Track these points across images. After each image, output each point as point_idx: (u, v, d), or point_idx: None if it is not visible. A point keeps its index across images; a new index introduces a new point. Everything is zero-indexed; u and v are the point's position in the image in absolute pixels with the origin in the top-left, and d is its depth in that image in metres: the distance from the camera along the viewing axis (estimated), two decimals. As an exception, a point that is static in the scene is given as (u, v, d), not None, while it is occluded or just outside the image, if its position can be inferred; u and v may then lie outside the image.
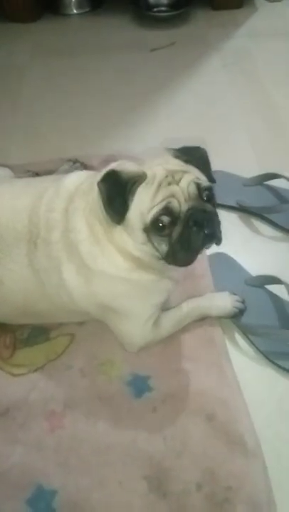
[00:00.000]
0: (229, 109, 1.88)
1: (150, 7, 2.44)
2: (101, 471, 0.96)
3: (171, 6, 2.43)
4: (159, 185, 0.90)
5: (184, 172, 0.92)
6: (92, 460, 0.98)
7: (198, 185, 0.92)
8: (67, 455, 0.99)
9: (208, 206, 0.93)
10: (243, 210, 1.47)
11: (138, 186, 0.90)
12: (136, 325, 1.07)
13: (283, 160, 1.63)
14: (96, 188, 0.94)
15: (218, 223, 0.93)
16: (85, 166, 1.55)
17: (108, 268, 0.97)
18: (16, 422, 1.04)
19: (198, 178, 0.93)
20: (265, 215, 1.44)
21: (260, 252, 1.39)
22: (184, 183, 0.91)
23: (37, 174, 1.51)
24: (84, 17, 2.51)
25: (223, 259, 1.32)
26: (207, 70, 2.10)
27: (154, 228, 0.90)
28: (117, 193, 0.90)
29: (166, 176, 0.91)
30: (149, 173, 0.91)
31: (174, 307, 1.15)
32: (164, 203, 0.89)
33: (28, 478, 0.96)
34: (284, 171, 1.46)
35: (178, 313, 1.14)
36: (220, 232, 0.94)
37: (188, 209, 0.90)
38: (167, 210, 0.89)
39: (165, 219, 0.89)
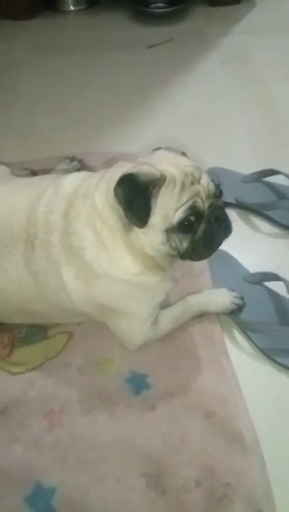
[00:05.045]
0: (227, 106, 1.88)
1: (147, 3, 2.42)
2: (99, 468, 0.96)
3: (169, 3, 2.41)
4: (183, 186, 0.90)
5: (199, 169, 0.94)
6: (90, 457, 0.98)
7: (214, 183, 0.95)
8: (66, 453, 0.98)
9: (222, 202, 0.98)
10: (241, 206, 1.46)
11: (160, 188, 0.90)
12: (135, 324, 1.07)
13: (281, 156, 1.62)
14: (100, 193, 0.95)
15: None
16: (82, 164, 1.55)
17: (114, 272, 0.97)
18: (14, 421, 1.04)
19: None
20: (264, 212, 1.44)
21: (258, 249, 1.39)
22: (204, 181, 0.93)
23: (34, 172, 1.51)
24: (81, 14, 2.50)
25: (221, 256, 1.31)
26: (205, 66, 2.09)
27: (179, 228, 0.91)
28: (136, 197, 0.89)
29: (186, 176, 0.91)
30: (167, 174, 0.90)
31: (172, 304, 1.15)
32: (190, 203, 0.90)
33: (26, 476, 0.96)
34: (282, 167, 1.46)
35: (176, 310, 1.14)
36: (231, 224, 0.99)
37: (209, 206, 0.93)
38: (193, 210, 0.91)
39: (192, 218, 0.91)
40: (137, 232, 0.93)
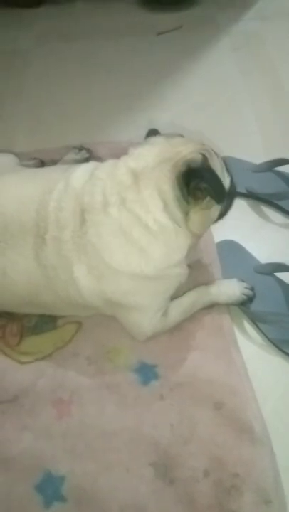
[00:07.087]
0: (238, 94, 1.84)
1: (157, -11, 2.37)
2: (108, 457, 0.97)
3: (179, -12, 2.36)
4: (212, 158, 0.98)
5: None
6: (99, 446, 0.98)
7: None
8: (75, 441, 0.99)
9: None
10: (252, 196, 1.44)
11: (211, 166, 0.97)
12: (146, 316, 1.06)
13: (293, 145, 1.59)
14: (142, 198, 0.94)
15: None
16: (91, 153, 1.54)
17: (138, 268, 0.96)
18: (24, 409, 1.04)
19: None
20: (275, 202, 1.42)
21: (269, 239, 1.37)
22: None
23: (42, 162, 1.50)
24: (88, 1, 2.47)
25: (231, 247, 1.30)
26: (216, 54, 2.05)
27: (229, 194, 1.01)
28: (213, 176, 0.95)
29: (210, 153, 0.99)
30: (205, 153, 0.96)
31: (182, 295, 1.14)
32: (225, 170, 1.01)
33: (36, 464, 0.97)
34: (294, 156, 1.43)
35: (186, 301, 1.13)
36: None
37: None
38: (229, 174, 1.03)
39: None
40: (197, 215, 0.96)
